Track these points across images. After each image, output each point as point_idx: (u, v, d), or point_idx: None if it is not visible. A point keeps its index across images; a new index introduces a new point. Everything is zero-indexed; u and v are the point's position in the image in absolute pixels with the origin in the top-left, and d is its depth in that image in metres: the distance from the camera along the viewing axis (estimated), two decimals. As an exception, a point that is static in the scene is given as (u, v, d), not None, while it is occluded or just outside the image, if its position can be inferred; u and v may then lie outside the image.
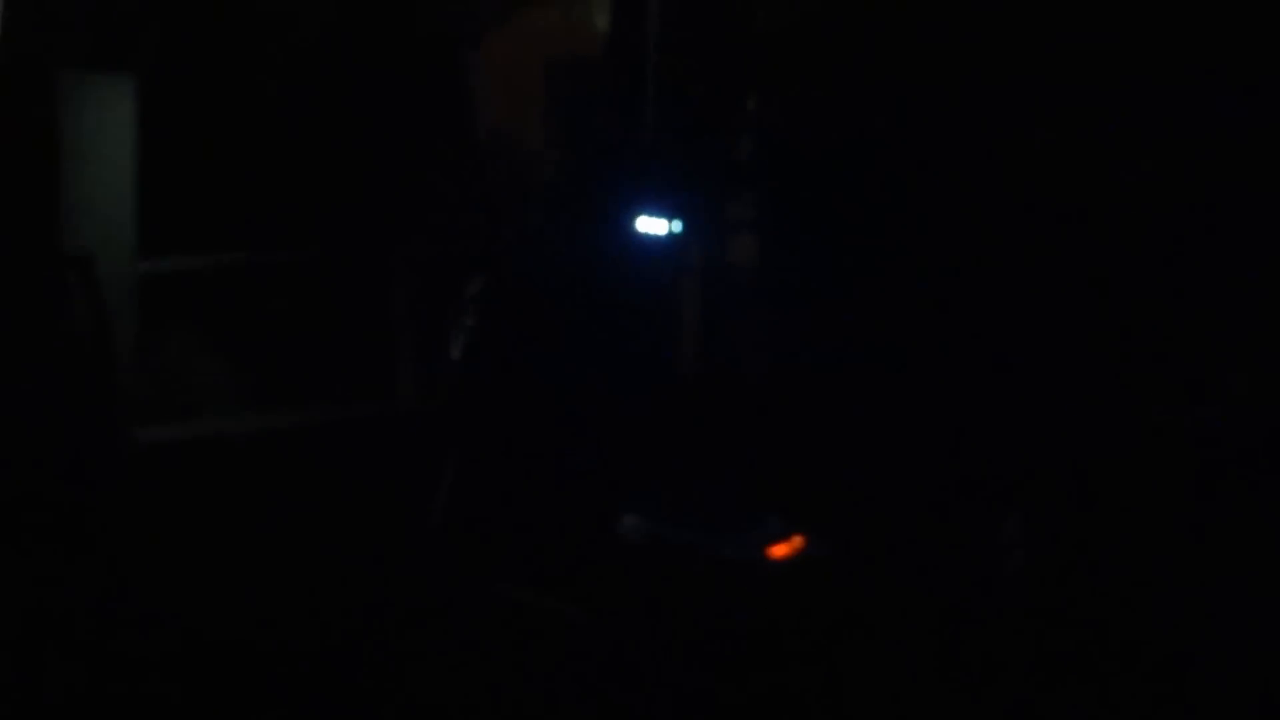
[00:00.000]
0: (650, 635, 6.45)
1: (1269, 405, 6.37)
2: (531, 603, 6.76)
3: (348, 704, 6.16)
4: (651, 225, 7.76)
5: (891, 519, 6.72)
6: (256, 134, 8.38)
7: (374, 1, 8.58)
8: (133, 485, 7.84)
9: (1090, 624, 6.24)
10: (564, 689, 6.25)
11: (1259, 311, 6.48)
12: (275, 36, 8.41)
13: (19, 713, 6.08)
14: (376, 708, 6.16)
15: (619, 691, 6.24)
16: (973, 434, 6.82)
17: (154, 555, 7.23)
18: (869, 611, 6.38)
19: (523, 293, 7.74)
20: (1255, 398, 6.41)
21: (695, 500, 6.96)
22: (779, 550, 6.65)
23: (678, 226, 7.80)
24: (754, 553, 6.60)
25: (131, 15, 8.16)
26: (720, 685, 6.18)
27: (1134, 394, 6.64)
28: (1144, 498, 6.42)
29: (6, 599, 6.80)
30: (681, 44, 8.15)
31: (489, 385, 7.53)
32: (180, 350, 8.42)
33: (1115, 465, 6.53)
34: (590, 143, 8.12)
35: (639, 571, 6.78)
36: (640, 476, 7.13)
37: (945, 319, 7.23)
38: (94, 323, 7.96)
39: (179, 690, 6.22)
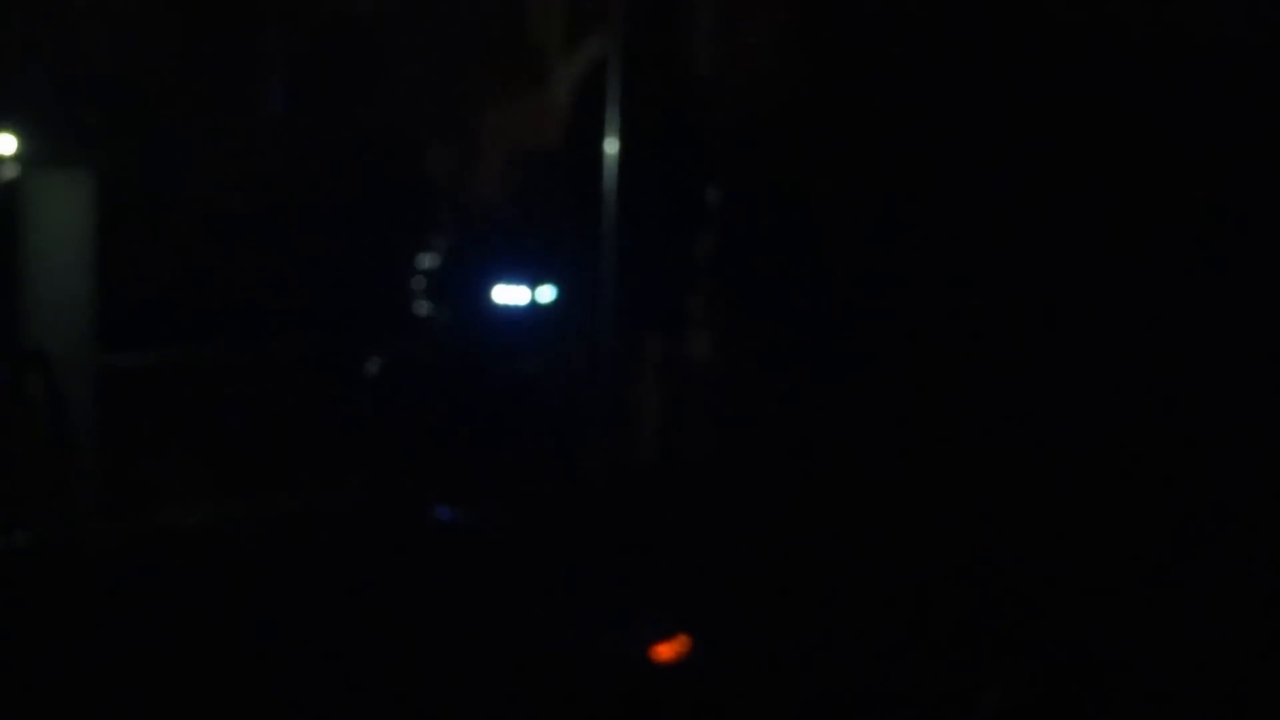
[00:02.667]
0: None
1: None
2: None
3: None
4: (510, 295, 7.71)
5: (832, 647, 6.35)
6: (216, 229, 8.42)
7: (331, 94, 8.60)
8: (91, 577, 7.79)
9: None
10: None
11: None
12: (235, 134, 8.45)
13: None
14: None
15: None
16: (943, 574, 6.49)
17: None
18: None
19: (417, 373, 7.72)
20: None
21: (575, 588, 6.73)
22: (665, 651, 6.38)
23: (546, 294, 7.72)
24: (634, 649, 6.34)
25: (91, 112, 8.23)
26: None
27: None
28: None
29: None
30: (640, 136, 8.06)
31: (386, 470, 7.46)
32: (142, 444, 8.43)
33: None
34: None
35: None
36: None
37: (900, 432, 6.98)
38: (51, 417, 7.98)
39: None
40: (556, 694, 6.14)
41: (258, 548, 7.74)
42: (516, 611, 6.51)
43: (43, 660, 6.67)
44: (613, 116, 8.02)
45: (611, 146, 7.99)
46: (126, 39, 8.24)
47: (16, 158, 8.06)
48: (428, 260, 7.92)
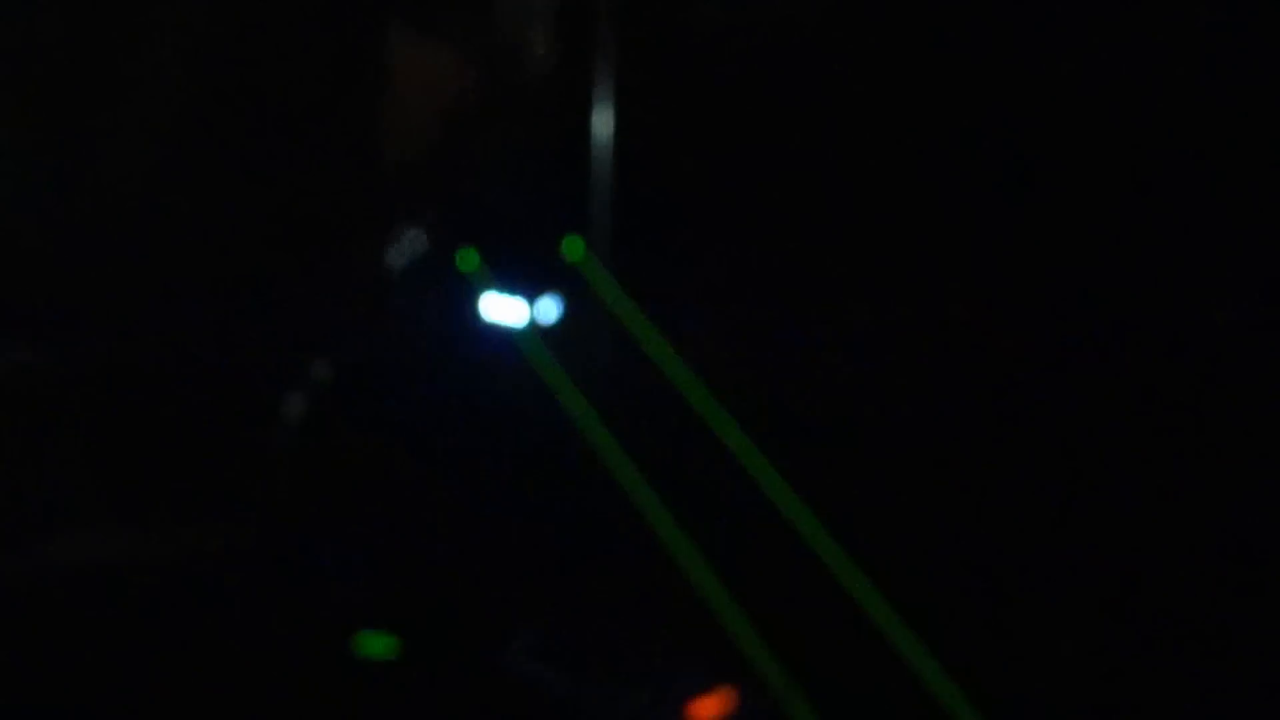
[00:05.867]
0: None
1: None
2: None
3: None
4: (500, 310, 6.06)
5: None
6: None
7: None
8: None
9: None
10: None
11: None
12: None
13: None
14: None
15: None
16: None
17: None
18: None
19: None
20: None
21: (596, 639, 5.39)
22: (703, 710, 5.08)
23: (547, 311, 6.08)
24: (669, 711, 5.03)
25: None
26: None
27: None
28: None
29: None
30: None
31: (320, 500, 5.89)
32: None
33: None
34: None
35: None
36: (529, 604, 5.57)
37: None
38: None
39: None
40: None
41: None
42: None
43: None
44: (603, 76, 6.46)
45: (603, 121, 6.42)
46: None
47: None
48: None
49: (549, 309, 6.09)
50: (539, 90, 6.45)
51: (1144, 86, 5.57)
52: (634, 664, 5.34)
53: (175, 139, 6.49)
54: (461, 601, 5.56)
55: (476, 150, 6.49)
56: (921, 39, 5.93)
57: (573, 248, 6.08)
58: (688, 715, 5.19)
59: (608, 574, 5.58)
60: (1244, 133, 5.46)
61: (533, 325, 6.01)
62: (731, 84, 6.25)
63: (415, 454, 5.89)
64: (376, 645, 5.47)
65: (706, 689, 5.23)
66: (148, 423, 6.15)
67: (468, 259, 6.11)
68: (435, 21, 6.55)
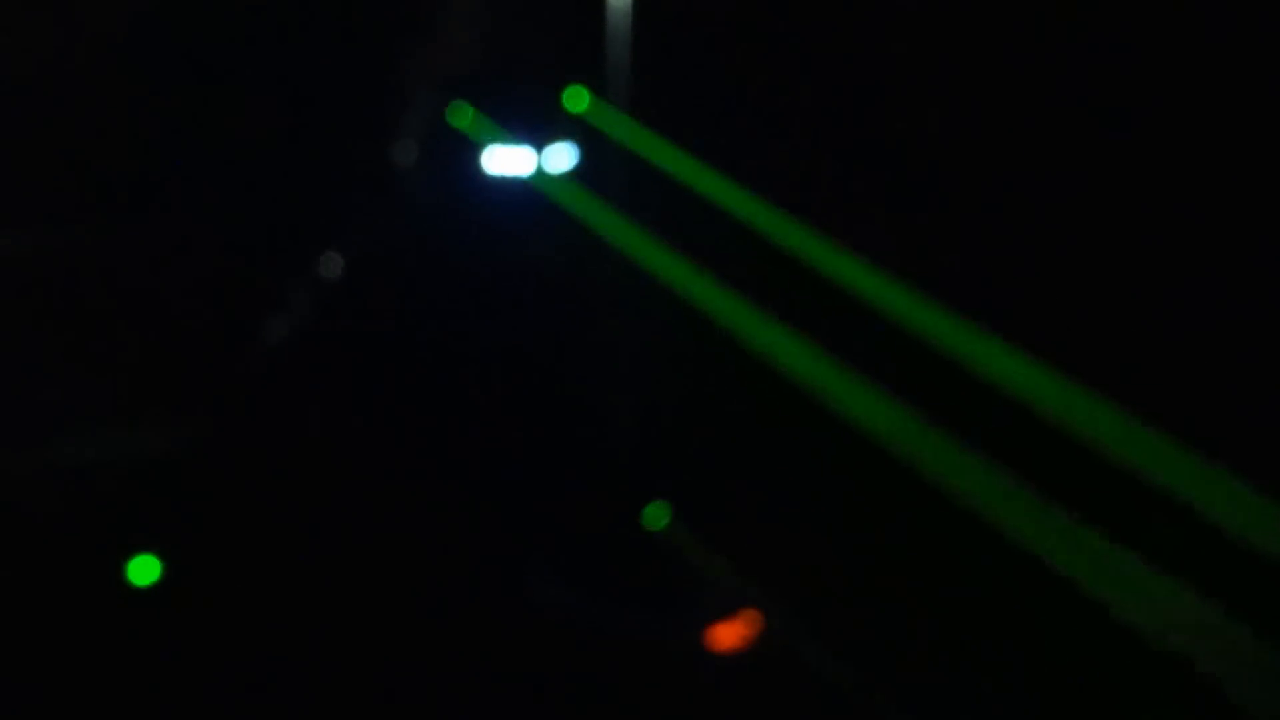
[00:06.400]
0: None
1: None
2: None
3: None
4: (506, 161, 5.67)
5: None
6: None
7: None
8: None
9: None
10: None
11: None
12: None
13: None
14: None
15: None
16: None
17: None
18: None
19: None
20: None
21: (619, 561, 5.15)
22: (725, 634, 4.83)
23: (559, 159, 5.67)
24: (687, 634, 4.79)
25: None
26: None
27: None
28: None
29: None
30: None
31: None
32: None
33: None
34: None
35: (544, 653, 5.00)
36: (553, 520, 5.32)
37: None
38: None
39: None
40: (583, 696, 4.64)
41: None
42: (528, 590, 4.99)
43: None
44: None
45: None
46: None
47: None
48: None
49: (559, 157, 5.75)
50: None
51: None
52: (657, 587, 5.11)
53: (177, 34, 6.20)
54: (483, 519, 5.34)
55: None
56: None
57: (575, 98, 5.74)
58: (711, 638, 4.98)
59: (630, 489, 5.35)
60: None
61: (540, 174, 5.68)
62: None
63: (433, 338, 5.62)
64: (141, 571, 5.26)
65: (730, 613, 5.00)
66: (152, 314, 5.92)
67: (460, 114, 5.76)
68: None
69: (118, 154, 5.93)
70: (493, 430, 5.43)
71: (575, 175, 5.74)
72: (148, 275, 5.81)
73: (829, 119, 5.68)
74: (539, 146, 5.72)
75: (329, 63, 5.71)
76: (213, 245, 5.78)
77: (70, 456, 5.89)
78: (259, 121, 5.78)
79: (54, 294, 6.05)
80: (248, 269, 5.75)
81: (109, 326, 6.00)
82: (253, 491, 5.46)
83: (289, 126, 5.74)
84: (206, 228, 5.78)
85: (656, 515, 5.25)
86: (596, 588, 5.08)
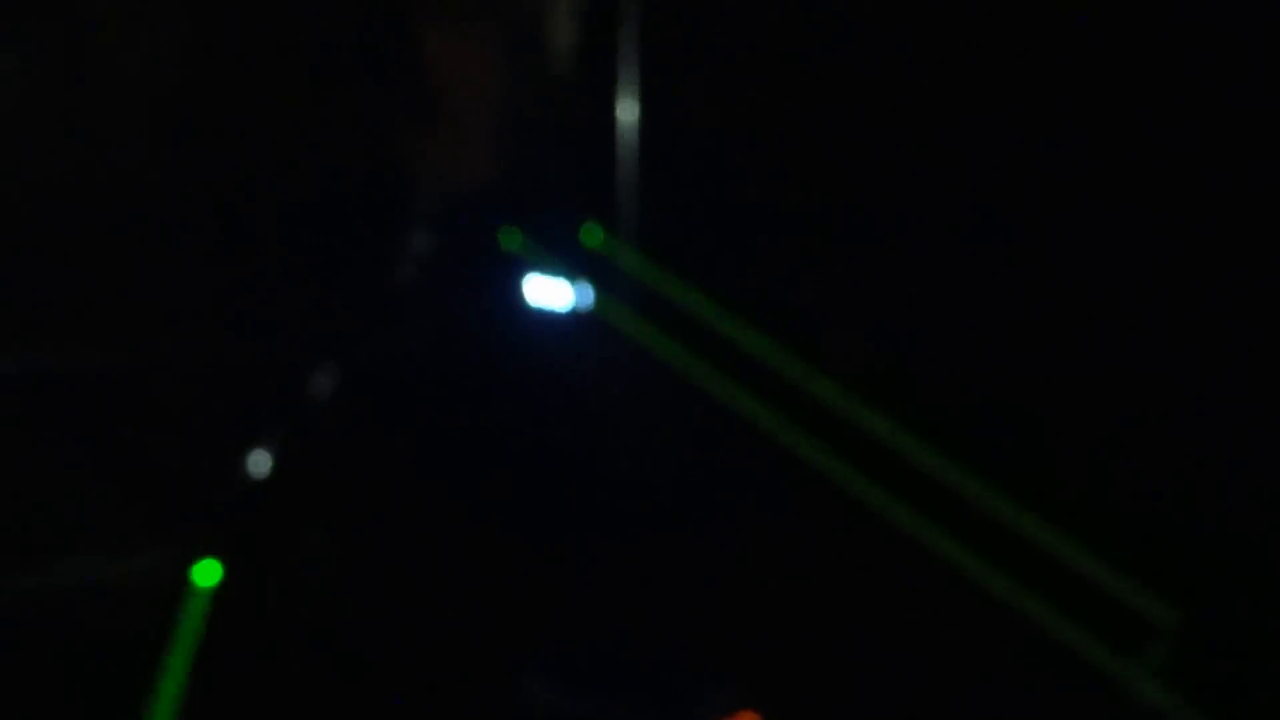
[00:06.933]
0: None
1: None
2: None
3: None
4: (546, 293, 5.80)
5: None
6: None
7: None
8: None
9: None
10: None
11: None
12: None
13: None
14: None
15: None
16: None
17: None
18: None
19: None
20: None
21: (614, 659, 5.26)
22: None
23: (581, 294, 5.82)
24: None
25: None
26: None
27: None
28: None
29: None
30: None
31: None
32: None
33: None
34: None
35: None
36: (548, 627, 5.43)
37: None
38: None
39: None
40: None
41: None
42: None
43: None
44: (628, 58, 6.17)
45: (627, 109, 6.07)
46: None
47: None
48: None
49: (585, 293, 5.92)
50: (564, 77, 6.31)
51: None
52: (658, 684, 5.23)
53: (194, 126, 6.34)
54: (484, 616, 5.44)
55: (505, 137, 6.33)
56: (946, 31, 5.76)
57: (591, 234, 5.91)
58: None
59: (632, 585, 5.46)
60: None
61: (574, 310, 5.83)
62: (757, 66, 6.11)
63: (454, 452, 5.75)
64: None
65: (732, 711, 5.12)
66: (162, 429, 6.03)
67: (512, 238, 5.90)
68: (460, 10, 6.43)
69: (142, 268, 6.11)
70: (498, 526, 5.58)
71: (597, 310, 5.93)
72: (165, 393, 5.98)
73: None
74: (574, 279, 5.86)
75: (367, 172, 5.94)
76: (241, 362, 5.94)
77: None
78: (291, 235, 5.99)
79: (57, 411, 6.20)
80: (279, 389, 5.91)
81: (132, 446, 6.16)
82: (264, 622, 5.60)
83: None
84: (241, 346, 5.94)
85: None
86: (594, 688, 5.20)
